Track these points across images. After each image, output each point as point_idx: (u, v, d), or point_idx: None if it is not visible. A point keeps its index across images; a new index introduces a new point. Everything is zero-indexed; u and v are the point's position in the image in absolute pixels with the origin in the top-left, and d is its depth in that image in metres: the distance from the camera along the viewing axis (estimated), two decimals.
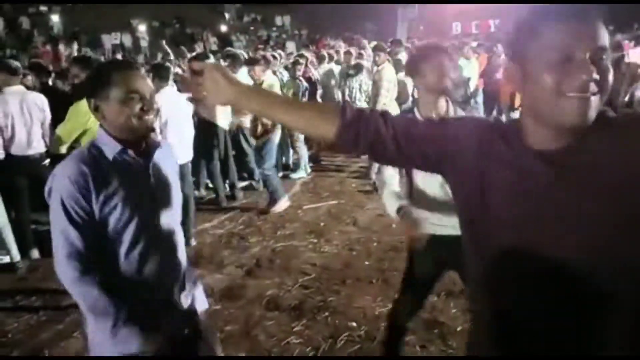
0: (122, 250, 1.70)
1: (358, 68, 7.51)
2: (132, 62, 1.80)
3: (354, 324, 3.40)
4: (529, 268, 1.12)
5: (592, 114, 1.03)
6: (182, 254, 1.90)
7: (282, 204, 5.79)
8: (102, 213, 1.64)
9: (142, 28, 23.93)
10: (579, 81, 1.01)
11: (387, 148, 1.25)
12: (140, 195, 1.73)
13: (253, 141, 6.31)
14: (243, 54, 6.92)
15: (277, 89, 5.78)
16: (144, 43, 20.37)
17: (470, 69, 7.93)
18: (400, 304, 2.65)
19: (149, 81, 1.75)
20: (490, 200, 1.17)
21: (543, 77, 1.04)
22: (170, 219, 1.85)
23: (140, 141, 1.75)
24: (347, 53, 8.52)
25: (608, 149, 1.05)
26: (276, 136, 5.78)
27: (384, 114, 1.28)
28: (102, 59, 11.03)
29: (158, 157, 1.80)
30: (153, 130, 1.77)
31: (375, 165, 2.46)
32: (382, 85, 6.32)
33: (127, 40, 19.95)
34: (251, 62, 5.90)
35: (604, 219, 1.04)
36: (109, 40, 18.56)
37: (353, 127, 1.25)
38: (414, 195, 2.46)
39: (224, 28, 28.32)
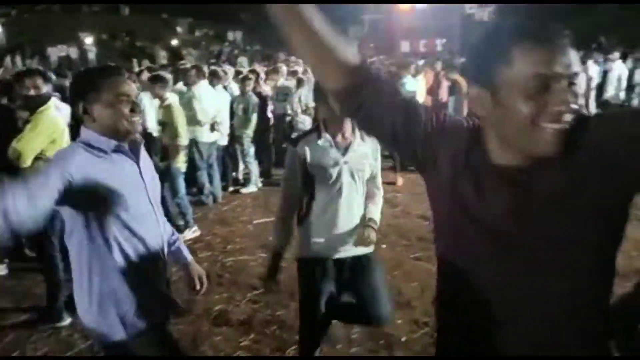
0: (119, 240, 1.79)
1: (299, 82, 7.78)
2: (119, 67, 1.93)
3: None
4: (493, 282, 1.11)
5: (566, 139, 0.98)
6: (166, 245, 2.03)
7: (189, 234, 5.48)
8: (108, 202, 1.74)
9: (89, 40, 23.42)
10: (557, 113, 0.97)
11: (394, 123, 1.19)
12: (137, 188, 1.85)
13: (205, 155, 6.31)
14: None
15: (177, 111, 5.32)
16: (91, 55, 19.95)
17: (416, 85, 8.16)
18: (304, 335, 2.68)
19: (134, 86, 1.89)
20: (458, 212, 1.14)
21: (518, 107, 0.98)
22: (160, 209, 2.00)
23: (125, 141, 1.86)
24: (276, 70, 8.79)
25: (569, 162, 1.01)
26: (180, 164, 5.37)
27: (399, 89, 1.23)
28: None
29: (142, 154, 1.94)
30: (138, 130, 1.90)
31: None
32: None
33: (74, 52, 19.50)
34: (153, 80, 5.47)
35: (567, 237, 1.03)
36: (56, 52, 18.10)
37: (362, 91, 1.16)
38: (313, 216, 2.49)
39: (175, 42, 28.07)
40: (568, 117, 0.98)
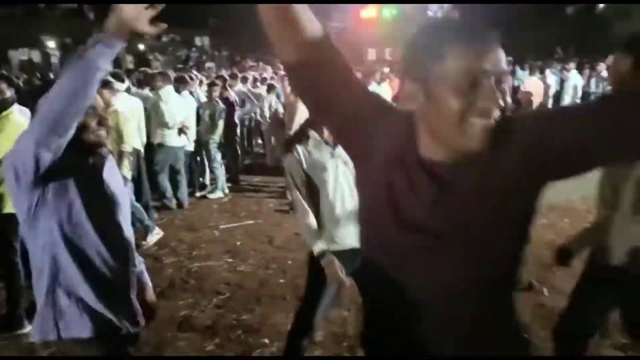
0: (76, 251, 1.78)
1: (270, 88, 7.85)
2: None
3: (267, 340, 3.47)
4: (414, 275, 1.14)
5: (491, 136, 1.04)
6: (133, 257, 2.01)
7: (152, 238, 5.44)
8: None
9: (51, 44, 22.93)
10: (485, 108, 1.02)
11: (333, 99, 1.18)
12: (98, 201, 1.83)
13: (171, 159, 6.29)
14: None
15: (123, 116, 5.16)
16: (54, 59, 19.57)
17: (381, 92, 8.30)
18: (304, 320, 2.73)
19: (99, 99, 1.90)
20: (383, 203, 1.16)
21: (448, 101, 1.03)
22: (126, 225, 1.97)
23: (92, 154, 1.86)
24: (233, 77, 8.86)
25: (492, 159, 1.06)
26: (125, 172, 5.15)
27: (353, 72, 1.23)
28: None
29: (107, 167, 1.93)
30: (105, 144, 1.89)
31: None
32: (298, 107, 6.51)
33: (37, 56, 19.09)
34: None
35: (483, 230, 1.08)
36: (17, 55, 17.69)
37: (317, 67, 1.15)
38: (321, 211, 2.58)
39: (141, 47, 27.72)
40: (495, 114, 1.03)
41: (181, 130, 6.32)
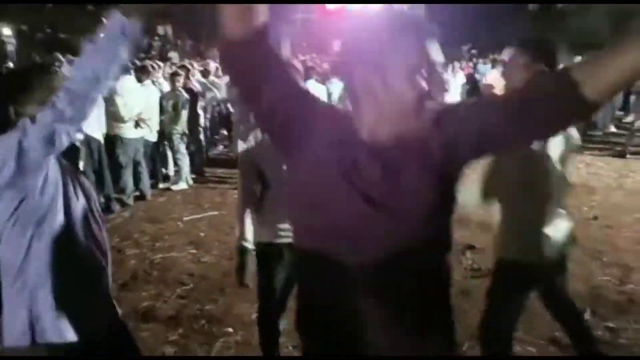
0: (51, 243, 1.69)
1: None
2: (49, 65, 1.81)
3: (231, 329, 3.47)
4: (355, 250, 1.16)
5: (429, 119, 1.15)
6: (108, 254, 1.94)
7: None
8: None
9: (7, 32, 22.12)
10: (436, 93, 1.14)
11: (264, 82, 1.18)
12: (74, 190, 1.76)
13: (130, 152, 6.19)
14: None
15: None
16: (10, 47, 18.90)
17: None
18: (262, 320, 2.72)
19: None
20: (328, 184, 1.18)
21: (406, 89, 1.12)
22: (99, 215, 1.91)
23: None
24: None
25: (427, 137, 1.15)
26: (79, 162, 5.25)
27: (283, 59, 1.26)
28: None
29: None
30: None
31: None
32: None
33: None
34: None
35: (422, 199, 1.13)
36: None
37: (254, 48, 1.16)
38: (267, 203, 2.56)
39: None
40: (439, 98, 1.16)
41: (137, 124, 6.19)
